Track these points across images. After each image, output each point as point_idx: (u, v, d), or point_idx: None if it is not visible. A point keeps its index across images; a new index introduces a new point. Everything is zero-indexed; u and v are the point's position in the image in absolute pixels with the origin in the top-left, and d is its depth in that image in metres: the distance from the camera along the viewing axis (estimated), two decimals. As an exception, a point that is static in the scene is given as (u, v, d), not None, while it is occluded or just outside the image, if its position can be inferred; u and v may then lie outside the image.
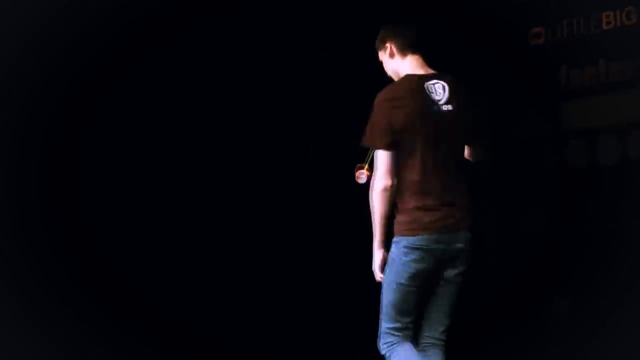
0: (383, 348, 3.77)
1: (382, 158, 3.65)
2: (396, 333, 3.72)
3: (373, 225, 3.77)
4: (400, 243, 3.70)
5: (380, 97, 3.75)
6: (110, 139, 8.05)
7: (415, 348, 3.73)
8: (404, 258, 3.67)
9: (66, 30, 7.55)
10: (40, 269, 7.42)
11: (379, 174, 3.67)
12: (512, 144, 6.31)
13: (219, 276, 8.41)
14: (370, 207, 3.74)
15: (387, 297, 3.73)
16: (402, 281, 3.69)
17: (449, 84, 3.75)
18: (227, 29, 8.95)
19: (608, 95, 5.84)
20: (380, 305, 3.78)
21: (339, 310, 8.26)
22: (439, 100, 3.70)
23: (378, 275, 3.81)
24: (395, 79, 3.84)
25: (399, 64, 3.86)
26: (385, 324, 3.74)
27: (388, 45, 3.87)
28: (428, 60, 3.87)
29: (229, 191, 8.89)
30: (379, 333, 3.79)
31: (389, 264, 3.75)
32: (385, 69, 3.90)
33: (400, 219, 3.73)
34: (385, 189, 3.66)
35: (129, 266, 7.86)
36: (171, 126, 8.47)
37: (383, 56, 3.89)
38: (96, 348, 6.87)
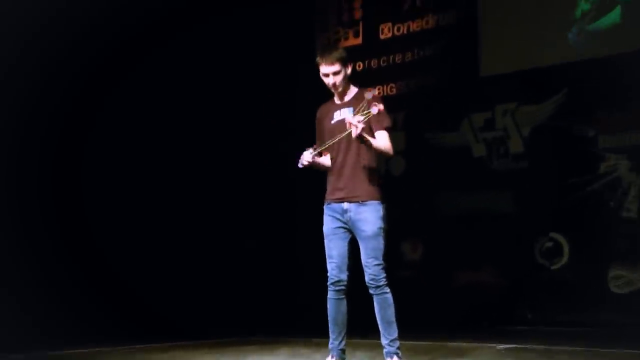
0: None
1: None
2: None
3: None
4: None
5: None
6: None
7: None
8: None
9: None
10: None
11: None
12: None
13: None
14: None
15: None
16: None
17: None
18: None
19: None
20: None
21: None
22: None
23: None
24: (345, 89, 4.75)
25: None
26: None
27: (349, 65, 4.76)
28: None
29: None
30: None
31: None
32: (340, 80, 4.66)
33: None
34: None
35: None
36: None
37: (344, 70, 4.68)
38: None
